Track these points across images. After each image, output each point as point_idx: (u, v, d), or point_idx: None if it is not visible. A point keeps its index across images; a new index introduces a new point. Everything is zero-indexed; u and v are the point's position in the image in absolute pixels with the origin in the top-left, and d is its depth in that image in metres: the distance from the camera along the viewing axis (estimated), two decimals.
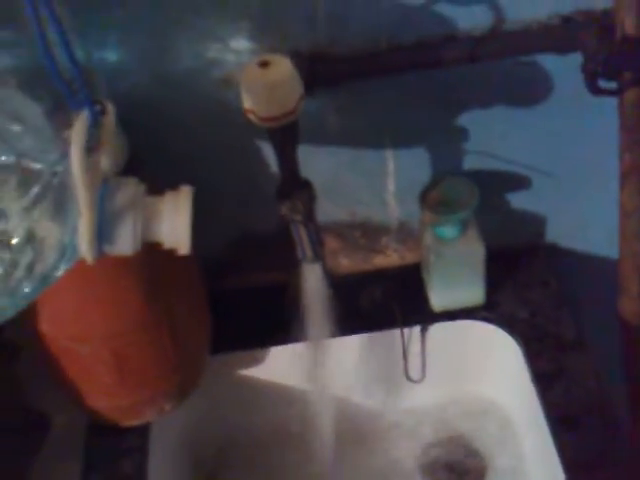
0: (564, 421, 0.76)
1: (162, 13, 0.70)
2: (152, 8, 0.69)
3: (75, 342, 0.67)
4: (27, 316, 0.68)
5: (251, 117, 0.62)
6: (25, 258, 0.44)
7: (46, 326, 0.67)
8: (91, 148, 0.44)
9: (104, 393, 0.72)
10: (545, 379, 0.80)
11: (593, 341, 0.84)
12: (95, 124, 0.44)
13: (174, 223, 0.46)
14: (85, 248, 0.44)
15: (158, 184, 0.54)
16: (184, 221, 0.46)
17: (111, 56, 0.71)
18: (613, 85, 0.69)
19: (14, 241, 0.42)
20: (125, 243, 0.45)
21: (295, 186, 0.66)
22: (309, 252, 0.69)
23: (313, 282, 0.73)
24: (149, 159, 0.69)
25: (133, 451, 0.79)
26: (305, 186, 0.67)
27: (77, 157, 0.42)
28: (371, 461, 0.92)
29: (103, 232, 0.45)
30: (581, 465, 0.73)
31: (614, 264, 0.84)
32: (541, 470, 0.83)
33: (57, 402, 0.81)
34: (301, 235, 0.68)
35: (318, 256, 0.69)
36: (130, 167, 0.59)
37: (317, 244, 0.69)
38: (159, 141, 0.75)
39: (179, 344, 0.73)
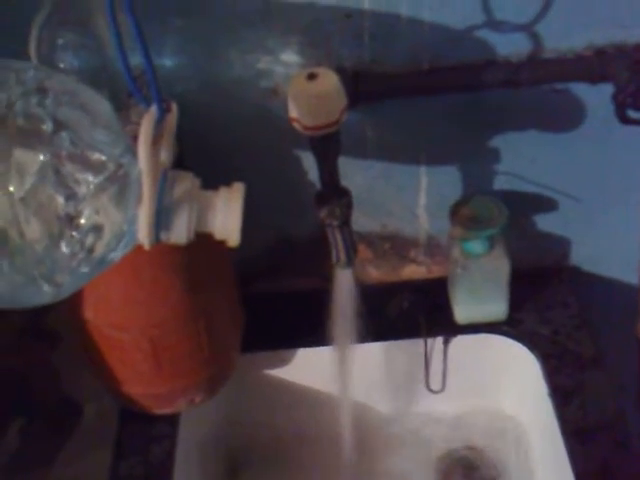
0: (578, 436, 0.79)
1: (216, 24, 0.73)
2: (207, 19, 0.73)
3: (117, 330, 0.71)
4: (71, 303, 0.72)
5: (296, 126, 0.66)
6: (88, 240, 0.48)
7: (90, 313, 0.71)
8: (154, 142, 0.48)
9: (140, 380, 0.76)
10: (562, 395, 0.82)
11: (610, 361, 0.86)
12: (161, 119, 0.48)
13: (226, 216, 0.50)
14: (144, 234, 0.48)
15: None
16: (235, 215, 0.50)
17: (167, 62, 0.75)
18: None
19: (82, 222, 0.46)
20: (180, 232, 0.49)
21: (334, 193, 0.69)
22: (343, 256, 0.72)
23: (344, 287, 0.76)
24: (193, 161, 0.73)
25: (163, 438, 0.83)
26: (344, 193, 0.70)
27: (144, 148, 0.46)
28: (387, 466, 0.95)
29: (161, 220, 0.49)
30: (593, 477, 0.75)
31: (634, 290, 0.87)
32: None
33: (90, 391, 0.85)
34: (337, 240, 0.71)
35: (351, 261, 0.73)
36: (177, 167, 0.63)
37: (351, 249, 0.72)
38: (204, 145, 0.78)
39: (213, 339, 0.76)
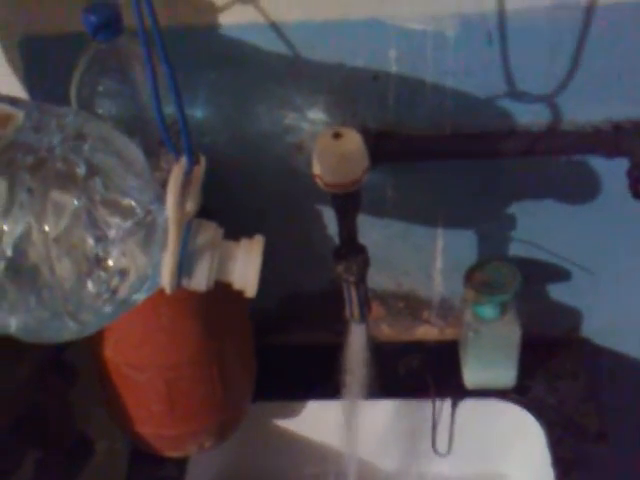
0: None
1: (247, 78, 0.76)
2: (238, 73, 0.75)
3: (134, 369, 0.73)
4: (92, 340, 0.74)
5: (318, 182, 0.68)
6: (114, 281, 0.50)
7: (110, 351, 0.73)
8: (181, 191, 0.50)
9: (152, 421, 0.77)
10: (565, 466, 0.83)
11: (616, 437, 0.86)
12: (189, 171, 0.50)
13: (245, 267, 0.52)
14: (167, 279, 0.50)
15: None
16: (254, 266, 0.52)
17: (197, 113, 0.78)
18: None
19: (110, 263, 0.48)
20: (201, 279, 0.51)
21: (352, 249, 0.71)
22: (357, 312, 0.74)
23: (357, 342, 0.78)
24: (216, 211, 0.75)
25: None
26: (361, 251, 0.72)
27: (172, 197, 0.48)
28: None
29: (183, 267, 0.50)
30: None
31: None
32: None
33: (102, 429, 0.86)
34: (352, 295, 0.73)
35: (364, 317, 0.74)
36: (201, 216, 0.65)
37: (365, 306, 0.74)
38: (227, 196, 0.80)
39: (226, 385, 0.78)
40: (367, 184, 0.69)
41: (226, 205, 0.77)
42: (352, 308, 0.74)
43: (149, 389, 0.73)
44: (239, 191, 0.83)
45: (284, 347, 0.96)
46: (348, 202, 0.68)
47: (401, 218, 0.86)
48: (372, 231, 0.86)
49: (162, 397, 0.74)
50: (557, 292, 0.92)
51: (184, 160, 0.49)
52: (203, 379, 0.75)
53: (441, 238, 0.88)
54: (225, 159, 0.80)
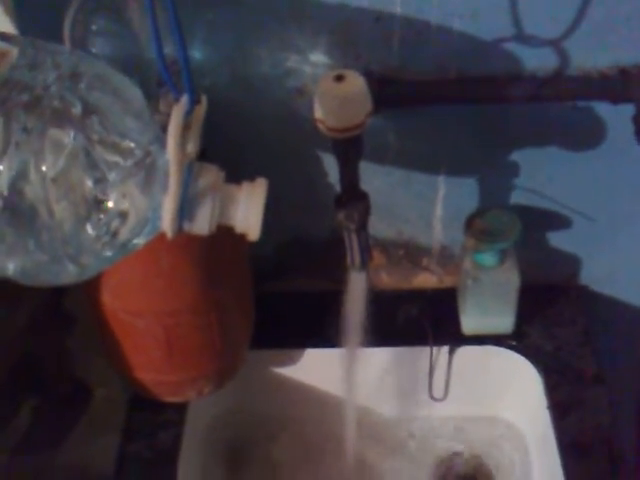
0: (574, 450, 0.80)
1: (247, 18, 0.74)
2: (237, 12, 0.73)
3: (132, 315, 0.72)
4: (89, 286, 0.73)
5: (320, 127, 0.67)
6: (114, 224, 0.49)
7: (108, 297, 0.72)
8: (182, 132, 0.49)
9: (151, 367, 0.77)
10: (561, 409, 0.84)
11: (611, 380, 0.87)
12: (190, 111, 0.49)
13: (248, 210, 0.51)
14: (168, 223, 0.49)
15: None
16: (257, 209, 0.51)
17: (196, 54, 0.76)
18: None
19: (109, 205, 0.47)
20: (203, 223, 0.50)
21: (353, 196, 0.70)
22: (358, 260, 0.73)
23: (357, 290, 0.77)
24: (216, 154, 0.74)
25: (170, 425, 0.85)
26: (363, 198, 0.71)
27: (173, 138, 0.47)
28: (386, 468, 0.96)
29: (185, 210, 0.49)
30: None
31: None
32: None
33: (100, 376, 0.86)
34: (353, 243, 0.72)
35: (365, 265, 0.73)
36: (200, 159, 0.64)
37: (366, 253, 0.73)
38: (227, 140, 0.79)
39: (225, 333, 0.77)
40: (369, 130, 0.68)
41: (226, 150, 0.76)
42: (353, 256, 0.73)
43: (148, 335, 0.73)
44: (240, 135, 0.82)
45: (283, 294, 0.96)
46: (350, 148, 0.67)
47: (403, 165, 0.85)
48: (374, 178, 0.85)
49: (161, 343, 0.74)
50: (557, 240, 0.92)
51: (185, 100, 0.48)
52: (202, 326, 0.74)
53: (442, 186, 0.87)
54: (225, 102, 0.79)
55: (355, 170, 0.69)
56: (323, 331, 0.86)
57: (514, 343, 0.90)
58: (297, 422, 0.98)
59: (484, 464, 0.95)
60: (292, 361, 0.95)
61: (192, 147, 0.51)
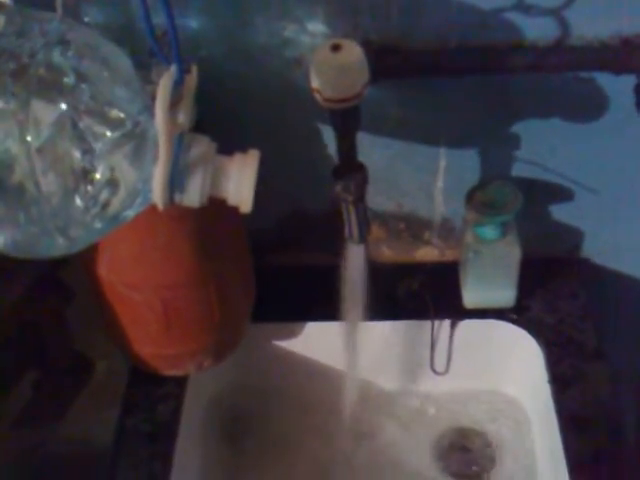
0: (574, 425, 0.79)
1: None
2: None
3: (130, 289, 0.72)
4: (85, 259, 0.73)
5: (317, 97, 0.65)
6: (103, 196, 0.49)
7: (104, 271, 0.72)
8: (172, 103, 0.48)
9: (150, 341, 0.77)
10: (562, 383, 0.83)
11: (613, 355, 0.87)
12: (180, 81, 0.48)
13: (240, 181, 0.51)
14: (158, 194, 0.48)
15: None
16: (249, 181, 0.51)
17: (192, 23, 0.74)
18: None
19: (97, 176, 0.47)
20: (194, 194, 0.50)
21: (351, 168, 0.69)
22: (356, 232, 0.72)
23: (356, 263, 0.77)
24: (212, 126, 0.73)
25: (170, 398, 0.84)
26: (360, 169, 0.70)
27: (161, 107, 0.46)
28: (386, 441, 0.96)
29: (175, 181, 0.49)
30: (585, 467, 0.76)
31: None
32: (548, 466, 0.86)
33: (101, 348, 0.86)
34: (350, 215, 0.71)
35: (363, 237, 0.73)
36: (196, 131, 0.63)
37: (364, 226, 0.72)
38: (224, 111, 0.78)
39: (224, 305, 0.77)
40: (368, 101, 0.67)
41: (223, 121, 0.76)
42: (351, 228, 0.72)
43: (145, 309, 0.73)
44: (237, 107, 0.81)
45: (284, 268, 0.95)
46: (347, 119, 0.66)
47: (403, 137, 0.84)
48: (373, 151, 0.84)
49: (159, 317, 0.73)
50: (559, 212, 0.91)
51: (173, 70, 0.47)
52: (200, 299, 0.74)
53: (443, 158, 0.86)
54: (222, 73, 0.78)
55: (352, 141, 0.68)
56: (324, 304, 0.85)
57: (515, 316, 0.90)
58: (298, 395, 0.98)
59: (485, 438, 0.95)
60: (293, 334, 0.95)
61: (184, 118, 0.51)
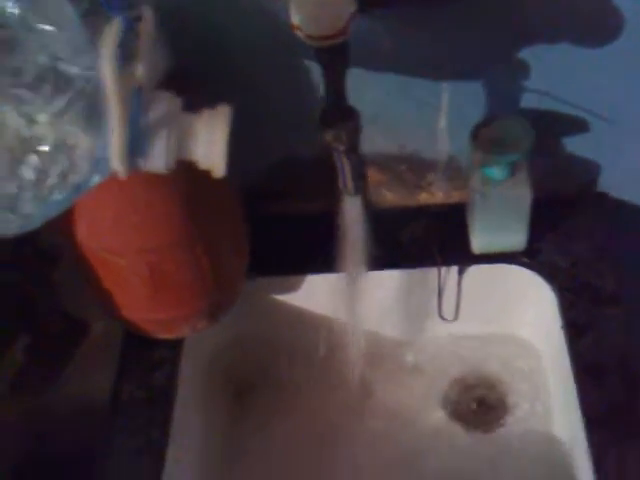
0: (589, 372, 0.76)
1: None
2: None
3: (111, 254, 0.68)
4: (65, 226, 0.68)
5: (298, 34, 0.59)
6: (57, 166, 0.43)
7: (83, 237, 0.67)
8: (127, 56, 0.42)
9: (139, 306, 0.73)
10: (577, 329, 0.79)
11: (630, 298, 0.82)
12: (131, 30, 0.42)
13: (210, 143, 0.45)
14: (117, 161, 0.43)
15: (202, 100, 0.52)
16: (220, 142, 0.45)
17: None
18: None
19: (44, 148, 0.41)
20: (159, 159, 0.44)
21: (340, 114, 0.63)
22: (350, 184, 0.67)
23: (352, 216, 0.71)
24: (192, 73, 0.67)
25: (165, 362, 0.81)
26: (351, 115, 0.64)
27: (108, 64, 0.40)
28: (397, 391, 0.93)
29: (136, 146, 0.43)
30: (600, 414, 0.73)
31: None
32: (563, 416, 0.83)
33: (95, 310, 0.82)
34: (344, 166, 0.65)
35: (359, 189, 0.67)
36: (172, 81, 0.57)
37: (359, 177, 0.66)
38: (204, 55, 0.73)
39: (215, 266, 0.72)
40: (359, 34, 0.60)
41: (200, 65, 0.70)
42: (345, 180, 0.66)
43: (131, 274, 0.68)
44: (214, 48, 0.74)
45: (280, 217, 0.90)
46: (334, 58, 0.59)
47: (400, 71, 0.78)
48: (368, 88, 0.77)
49: (146, 281, 0.69)
50: (573, 146, 0.85)
51: (120, 18, 0.41)
52: (188, 261, 0.69)
53: (446, 92, 0.80)
54: (196, 10, 0.71)
55: (342, 83, 0.62)
56: (324, 255, 0.80)
57: (527, 260, 0.85)
58: (301, 349, 0.93)
59: (498, 385, 0.91)
60: (293, 288, 0.90)
61: (142, 70, 0.45)
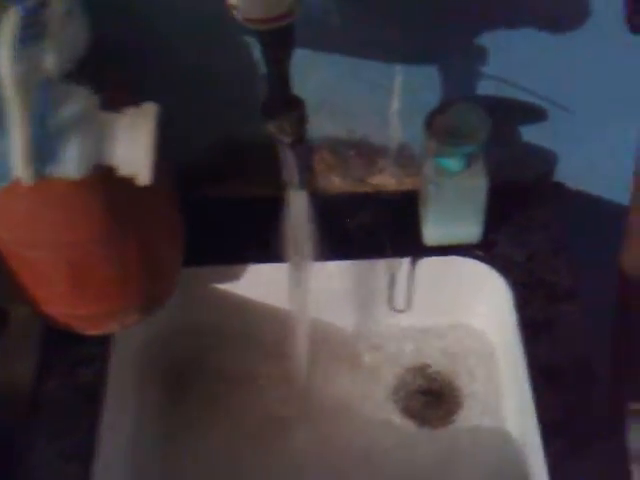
0: (545, 372, 0.73)
1: None
2: None
3: (27, 248, 0.62)
4: None
5: (235, 15, 0.53)
6: None
7: None
8: (32, 44, 0.36)
9: (60, 301, 0.68)
10: (532, 327, 0.76)
11: (587, 294, 0.79)
12: (34, 12, 0.36)
13: (132, 147, 0.39)
14: (21, 167, 0.37)
15: (131, 86, 0.46)
16: (144, 145, 0.39)
17: None
18: None
19: None
20: (71, 165, 0.39)
21: (284, 104, 0.58)
22: (295, 178, 0.61)
23: (298, 208, 0.66)
24: (123, 52, 0.61)
25: (93, 357, 0.75)
26: (296, 105, 0.58)
27: (5, 58, 0.34)
28: (345, 383, 0.89)
29: (44, 149, 0.37)
30: (555, 416, 0.71)
31: (620, 210, 0.78)
32: (515, 412, 0.81)
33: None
34: (288, 158, 0.60)
35: (304, 183, 0.62)
36: (93, 65, 0.51)
37: (305, 170, 0.61)
38: (136, 32, 0.67)
39: (147, 259, 0.67)
40: (303, 12, 0.55)
41: (132, 43, 0.64)
42: (290, 173, 0.61)
43: (48, 269, 0.63)
44: (147, 20, 0.68)
45: (222, 202, 0.85)
46: (276, 43, 0.53)
47: (351, 52, 0.73)
48: (316, 69, 0.73)
49: (64, 277, 0.63)
50: (530, 133, 0.82)
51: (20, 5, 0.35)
52: (114, 256, 0.64)
53: (399, 75, 0.76)
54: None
55: (285, 70, 0.56)
56: (268, 242, 0.75)
57: (481, 253, 0.81)
58: (241, 340, 0.89)
59: (450, 378, 0.88)
60: (233, 277, 0.85)
61: (52, 62, 0.38)
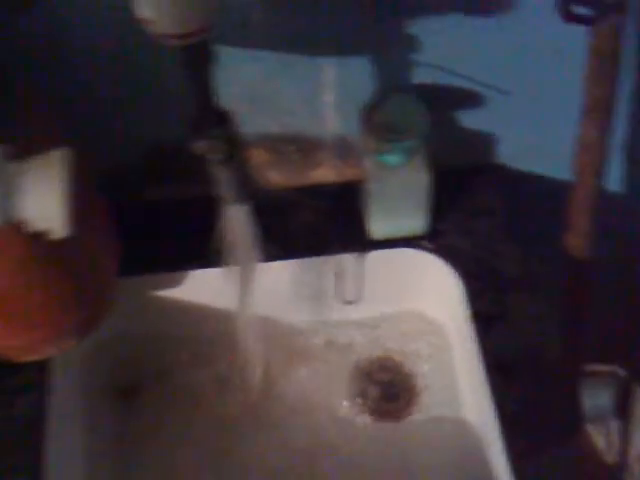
0: (498, 367, 0.73)
1: None
2: None
3: None
4: None
5: (148, 29, 0.49)
6: None
7: None
8: None
9: None
10: (484, 317, 0.76)
11: (536, 275, 0.80)
12: None
13: (42, 200, 0.36)
14: None
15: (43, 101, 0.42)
16: (57, 196, 0.36)
17: None
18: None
19: None
20: None
21: (213, 119, 0.54)
22: (231, 195, 0.58)
23: (237, 222, 0.63)
24: (40, 66, 0.57)
25: (30, 389, 0.72)
26: (224, 120, 0.55)
27: None
28: (300, 380, 0.87)
29: None
30: (511, 408, 0.70)
31: (566, 188, 0.78)
32: (471, 400, 0.80)
33: None
34: (222, 178, 0.57)
35: (242, 199, 0.59)
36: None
37: (242, 185, 0.58)
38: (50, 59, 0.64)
39: (75, 283, 0.64)
40: (227, 8, 0.54)
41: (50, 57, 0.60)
42: (224, 191, 0.58)
43: None
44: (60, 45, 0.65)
45: (158, 202, 0.83)
46: (197, 57, 0.49)
47: (278, 47, 0.71)
48: (244, 65, 0.71)
49: None
50: (469, 119, 0.81)
51: None
52: (42, 284, 0.60)
53: (332, 67, 0.73)
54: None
55: (208, 83, 0.53)
56: (208, 246, 0.72)
57: (428, 244, 0.80)
58: (190, 345, 0.87)
59: (405, 369, 0.87)
60: (176, 283, 0.82)
61: None
